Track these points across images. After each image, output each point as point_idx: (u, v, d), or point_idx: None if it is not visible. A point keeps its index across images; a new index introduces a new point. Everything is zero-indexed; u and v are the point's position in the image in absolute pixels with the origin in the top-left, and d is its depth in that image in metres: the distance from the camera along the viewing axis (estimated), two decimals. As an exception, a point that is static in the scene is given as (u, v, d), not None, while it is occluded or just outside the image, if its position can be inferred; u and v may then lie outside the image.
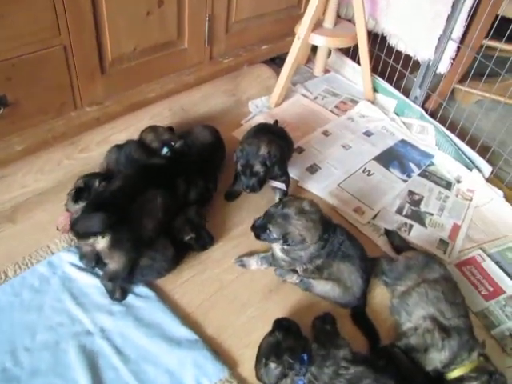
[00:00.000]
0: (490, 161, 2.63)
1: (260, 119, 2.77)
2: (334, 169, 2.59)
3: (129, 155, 2.17)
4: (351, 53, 3.28)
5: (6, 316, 1.78)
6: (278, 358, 1.58)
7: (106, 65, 2.34)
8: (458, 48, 2.77)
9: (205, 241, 2.07)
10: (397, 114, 3.04)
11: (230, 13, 2.75)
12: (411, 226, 2.34)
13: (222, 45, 2.85)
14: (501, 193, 2.52)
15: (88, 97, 2.36)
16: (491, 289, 2.09)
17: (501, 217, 2.43)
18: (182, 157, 2.21)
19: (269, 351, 1.62)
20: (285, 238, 1.82)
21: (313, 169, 2.58)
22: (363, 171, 2.60)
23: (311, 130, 2.83)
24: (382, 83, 3.12)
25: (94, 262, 1.90)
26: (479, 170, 2.61)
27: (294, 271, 2.01)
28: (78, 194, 2.00)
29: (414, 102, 3.02)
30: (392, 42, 3.02)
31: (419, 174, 2.64)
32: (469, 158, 2.66)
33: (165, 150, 2.24)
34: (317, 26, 2.83)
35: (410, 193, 2.52)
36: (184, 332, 1.80)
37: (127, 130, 2.46)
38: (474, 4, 2.59)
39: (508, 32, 2.46)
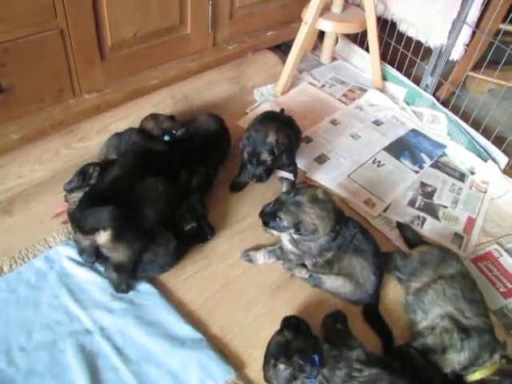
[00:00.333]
0: (505, 151, 2.53)
1: (266, 108, 2.67)
2: (342, 159, 2.50)
3: (129, 140, 2.09)
4: (359, 40, 3.19)
5: (0, 313, 1.69)
6: (288, 359, 1.49)
7: (105, 50, 2.25)
8: (473, 33, 2.67)
9: (205, 232, 2.00)
10: (407, 103, 2.94)
11: (235, -3, 2.65)
12: (424, 219, 2.25)
13: (226, 31, 2.75)
14: (517, 185, 2.42)
15: (87, 84, 2.27)
16: (510, 286, 2.00)
17: (517, 210, 2.34)
18: (184, 144, 2.13)
19: (278, 351, 1.54)
20: (297, 227, 1.73)
21: (321, 159, 2.48)
22: (373, 162, 2.51)
23: (319, 119, 2.74)
24: (392, 71, 3.01)
25: (94, 256, 1.81)
26: (494, 160, 2.51)
27: (303, 265, 1.92)
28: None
29: (424, 90, 2.91)
30: (402, 27, 2.91)
31: (431, 165, 2.54)
32: (483, 149, 2.56)
33: (166, 138, 2.16)
34: (324, 10, 2.72)
35: (423, 184, 2.42)
36: (188, 331, 1.71)
37: (128, 118, 2.37)
38: (490, -14, 2.48)
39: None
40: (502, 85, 2.80)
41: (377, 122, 2.77)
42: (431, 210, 2.29)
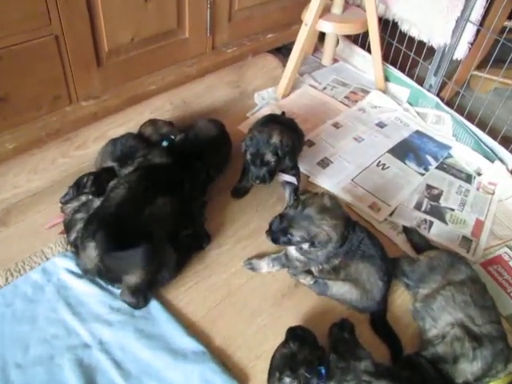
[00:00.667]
0: (513, 152, 2.47)
1: (267, 111, 2.61)
2: (346, 163, 2.44)
3: (126, 143, 2.03)
4: (360, 41, 3.13)
5: (-4, 328, 1.64)
6: (294, 372, 1.44)
7: (102, 56, 2.21)
8: (477, 31, 2.61)
9: (201, 239, 1.95)
10: (410, 104, 2.88)
11: (233, 0, 2.60)
12: (431, 222, 2.19)
13: (225, 34, 2.71)
14: (526, 185, 2.36)
15: (84, 90, 2.24)
16: (522, 290, 1.94)
17: (527, 211, 2.28)
18: (183, 152, 2.08)
19: (283, 364, 1.48)
20: (312, 241, 1.68)
21: (324, 163, 2.43)
22: (377, 165, 2.45)
23: (321, 122, 2.69)
24: (394, 72, 2.96)
25: (97, 274, 1.74)
26: (502, 161, 2.45)
27: (308, 272, 1.87)
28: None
29: (428, 90, 2.86)
30: (404, 27, 2.86)
31: (437, 167, 2.49)
32: (490, 149, 2.50)
33: (164, 144, 2.12)
34: (324, 11, 2.67)
35: (428, 187, 2.37)
36: (189, 343, 1.65)
37: (126, 124, 2.32)
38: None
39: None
40: (507, 83, 2.75)
41: (380, 124, 2.72)
42: (438, 213, 2.24)
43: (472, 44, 2.66)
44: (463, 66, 2.83)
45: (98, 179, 1.89)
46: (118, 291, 1.75)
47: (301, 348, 1.51)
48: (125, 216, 1.68)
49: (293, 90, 2.88)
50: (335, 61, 3.23)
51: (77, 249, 1.79)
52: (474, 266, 1.91)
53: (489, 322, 1.59)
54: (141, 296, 1.72)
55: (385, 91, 2.95)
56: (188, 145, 2.13)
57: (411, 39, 2.85)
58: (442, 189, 2.36)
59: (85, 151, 2.23)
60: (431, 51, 2.82)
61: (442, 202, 2.29)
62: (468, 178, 2.44)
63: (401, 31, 2.88)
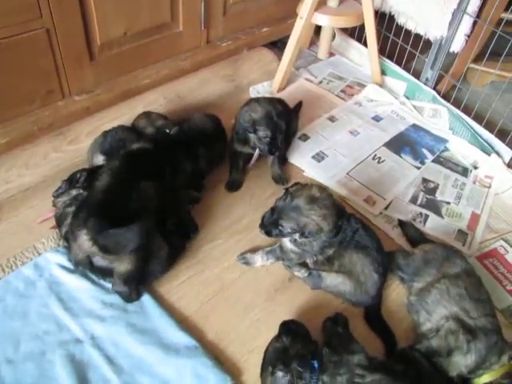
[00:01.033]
0: (509, 145, 2.45)
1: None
2: (341, 156, 2.42)
3: (115, 136, 2.03)
4: (356, 34, 3.11)
5: (-14, 324, 1.63)
6: (286, 366, 1.43)
7: (94, 50, 2.19)
8: (474, 23, 2.59)
9: (187, 228, 1.94)
10: (407, 98, 2.87)
11: (228, -7, 2.59)
12: (427, 216, 2.17)
13: (220, 27, 2.69)
14: (522, 178, 2.35)
15: (76, 85, 2.22)
16: (517, 283, 1.93)
17: (523, 204, 2.27)
18: (168, 140, 2.07)
19: (275, 358, 1.47)
20: (301, 231, 1.67)
21: (319, 157, 2.41)
22: (373, 158, 2.44)
23: (316, 116, 2.67)
24: (391, 65, 2.94)
25: (89, 267, 1.72)
26: (498, 154, 2.43)
27: (303, 265, 1.86)
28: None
29: (425, 83, 2.84)
30: (400, 20, 2.84)
31: (433, 161, 2.47)
32: (487, 142, 2.49)
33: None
34: (320, 4, 2.65)
35: (424, 180, 2.35)
36: (182, 338, 1.64)
37: (120, 119, 2.30)
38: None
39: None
40: (504, 76, 2.72)
41: (376, 118, 2.70)
42: (434, 207, 2.22)
43: (469, 36, 2.64)
44: (460, 58, 2.81)
45: (92, 175, 1.87)
46: (110, 285, 1.74)
47: (293, 342, 1.50)
48: (112, 200, 1.66)
49: (288, 83, 2.86)
50: (331, 54, 3.21)
51: (68, 242, 1.78)
52: (469, 259, 1.90)
53: (483, 315, 1.58)
54: (133, 285, 1.70)
55: (381, 85, 2.93)
56: (182, 137, 2.11)
57: (408, 32, 2.83)
58: (438, 182, 2.34)
59: (77, 146, 2.21)
60: (428, 44, 2.80)
61: (438, 196, 2.28)
62: (464, 172, 2.43)
63: (397, 24, 2.86)
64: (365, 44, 2.91)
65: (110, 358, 1.58)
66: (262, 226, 1.75)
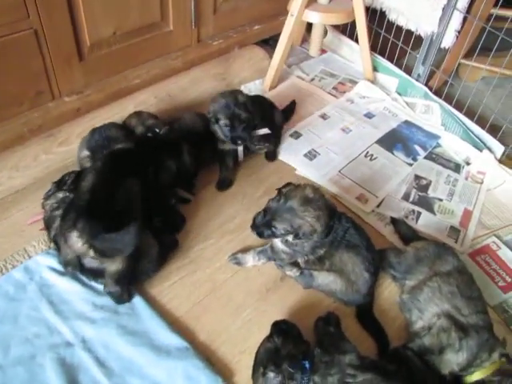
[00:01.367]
0: (501, 140, 2.45)
1: (253, 104, 2.59)
2: (333, 154, 2.42)
3: (102, 134, 2.02)
4: (348, 31, 3.10)
5: (-24, 329, 1.62)
6: (277, 367, 1.43)
7: (84, 50, 2.18)
8: (464, 19, 2.58)
9: (176, 222, 1.94)
10: (399, 94, 2.86)
11: (218, -9, 2.58)
12: (419, 213, 2.17)
13: (211, 26, 2.68)
14: (514, 174, 2.35)
15: (66, 86, 2.21)
16: (509, 279, 1.93)
17: (515, 200, 2.26)
18: (150, 139, 2.09)
19: (267, 359, 1.47)
20: (296, 233, 1.66)
21: (311, 155, 2.40)
22: (365, 156, 2.43)
23: (308, 114, 2.66)
24: (383, 62, 2.94)
25: (79, 268, 1.71)
26: (490, 150, 2.43)
27: (294, 264, 1.85)
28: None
29: (417, 80, 2.84)
30: (392, 16, 2.83)
31: (425, 157, 2.47)
32: (478, 138, 2.48)
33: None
34: (311, 1, 2.64)
35: (417, 177, 2.35)
36: (173, 339, 1.63)
37: (110, 119, 2.27)
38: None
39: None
40: (495, 72, 2.72)
41: (368, 115, 2.69)
42: (426, 204, 2.22)
43: (459, 32, 2.64)
44: (451, 54, 2.81)
45: (79, 177, 1.85)
46: (100, 287, 1.73)
47: (285, 342, 1.49)
48: (99, 200, 1.65)
49: (280, 81, 2.85)
50: (323, 51, 3.20)
51: (57, 244, 1.77)
52: (461, 256, 1.90)
53: (475, 313, 1.58)
54: (124, 285, 1.69)
55: (373, 81, 2.92)
56: (172, 136, 2.11)
57: (399, 28, 2.82)
58: (430, 179, 2.34)
59: (68, 147, 2.19)
60: (419, 40, 2.79)
61: (431, 193, 2.27)
62: (457, 168, 2.42)
63: (388, 20, 2.85)
64: (357, 41, 2.89)
65: (101, 360, 1.57)
66: (254, 226, 1.73)
